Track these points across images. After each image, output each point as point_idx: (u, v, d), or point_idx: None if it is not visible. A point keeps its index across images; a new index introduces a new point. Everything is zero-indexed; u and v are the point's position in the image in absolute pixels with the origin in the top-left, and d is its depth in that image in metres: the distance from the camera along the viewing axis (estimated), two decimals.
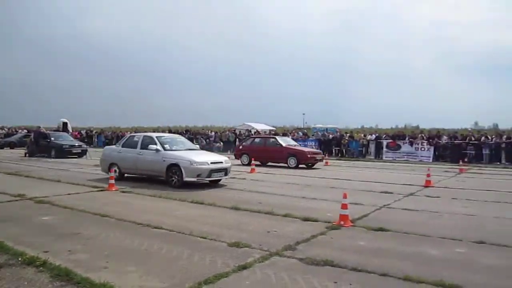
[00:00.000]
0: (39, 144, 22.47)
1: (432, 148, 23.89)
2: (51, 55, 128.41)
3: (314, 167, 18.08)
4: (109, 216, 7.11)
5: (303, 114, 63.61)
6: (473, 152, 22.44)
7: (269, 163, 18.93)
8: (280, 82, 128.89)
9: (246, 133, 32.51)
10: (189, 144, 13.16)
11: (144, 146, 11.59)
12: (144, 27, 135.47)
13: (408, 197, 9.87)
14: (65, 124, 30.35)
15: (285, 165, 17.98)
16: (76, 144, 23.74)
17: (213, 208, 8.12)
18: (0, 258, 4.68)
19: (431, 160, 23.31)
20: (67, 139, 24.06)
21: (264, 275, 4.31)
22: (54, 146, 22.18)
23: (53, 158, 21.26)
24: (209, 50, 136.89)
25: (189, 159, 10.72)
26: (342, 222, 6.66)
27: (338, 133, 30.83)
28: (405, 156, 24.57)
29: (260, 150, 18.92)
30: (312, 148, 23.85)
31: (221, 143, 30.33)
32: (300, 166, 17.68)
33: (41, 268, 4.33)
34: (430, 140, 24.47)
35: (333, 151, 27.08)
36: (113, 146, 14.11)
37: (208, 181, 11.13)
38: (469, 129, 32.23)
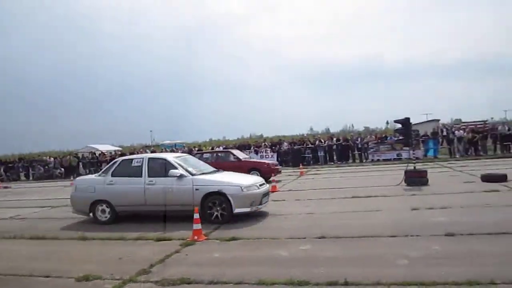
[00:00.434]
0: None
1: (275, 155, 25.74)
2: None
3: None
4: None
5: (151, 131, 60.78)
6: (311, 155, 24.92)
7: None
8: (121, 100, 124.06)
9: (90, 156, 30.25)
10: (204, 164, 10.67)
11: (156, 173, 8.73)
12: None
13: None
14: None
15: None
16: None
17: (57, 242, 7.31)
18: None
19: None
20: None
21: None
22: None
23: None
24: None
25: (237, 184, 8.31)
26: (196, 237, 6.64)
27: (186, 148, 30.96)
28: None
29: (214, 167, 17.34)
30: None
31: (62, 169, 27.66)
32: None
33: None
34: (273, 147, 26.37)
35: None
36: (91, 177, 10.37)
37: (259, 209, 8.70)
38: (305, 135, 35.79)
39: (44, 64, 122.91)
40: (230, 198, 8.01)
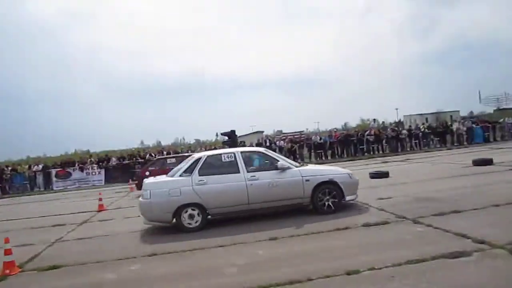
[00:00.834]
0: None
1: (103, 171, 24.24)
2: None
3: None
4: None
5: None
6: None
7: None
8: None
9: None
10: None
11: (253, 168, 7.98)
12: None
13: (81, 226, 9.50)
14: None
15: None
16: None
17: None
18: None
19: (103, 183, 23.57)
20: None
21: None
22: None
23: None
24: None
25: (345, 172, 8.44)
26: (7, 271, 5.74)
27: None
28: (77, 183, 23.93)
29: None
30: None
31: None
32: None
33: None
34: (100, 164, 24.80)
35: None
36: (168, 178, 8.03)
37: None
38: (133, 148, 34.70)
39: None
40: (342, 186, 8.02)
